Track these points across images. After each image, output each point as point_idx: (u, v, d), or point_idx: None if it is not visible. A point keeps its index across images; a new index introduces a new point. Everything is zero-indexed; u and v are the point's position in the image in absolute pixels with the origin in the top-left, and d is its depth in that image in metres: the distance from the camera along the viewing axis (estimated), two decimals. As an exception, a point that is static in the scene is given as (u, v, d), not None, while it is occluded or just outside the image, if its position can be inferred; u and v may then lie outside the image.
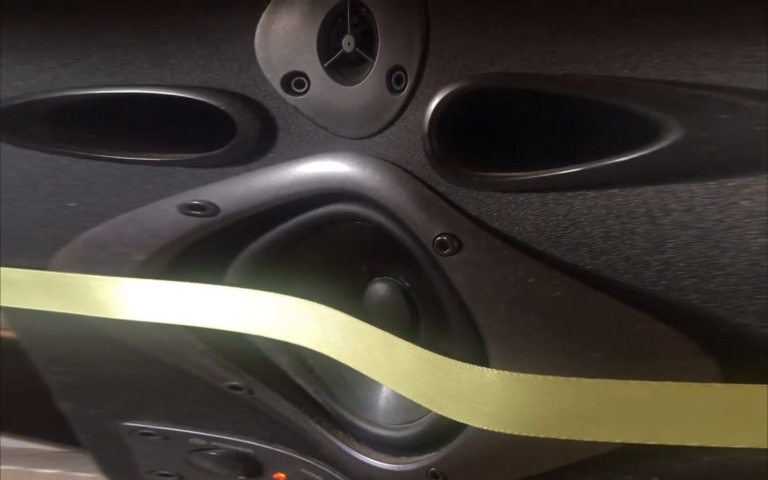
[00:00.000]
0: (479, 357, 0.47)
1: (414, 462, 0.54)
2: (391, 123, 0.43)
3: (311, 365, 0.58)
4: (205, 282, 0.53)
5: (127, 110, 0.49)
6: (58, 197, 0.52)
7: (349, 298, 0.53)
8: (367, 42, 0.43)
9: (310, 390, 0.58)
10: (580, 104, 0.38)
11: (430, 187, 0.44)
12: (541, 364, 0.43)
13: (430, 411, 0.52)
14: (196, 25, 0.46)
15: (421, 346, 0.48)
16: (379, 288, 0.52)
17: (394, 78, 0.42)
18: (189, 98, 0.45)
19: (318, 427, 0.58)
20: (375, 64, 0.43)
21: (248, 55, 0.46)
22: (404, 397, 0.50)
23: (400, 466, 0.55)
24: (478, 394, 0.46)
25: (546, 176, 0.39)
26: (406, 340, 0.49)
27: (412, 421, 0.55)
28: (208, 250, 0.52)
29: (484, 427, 0.46)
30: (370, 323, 0.50)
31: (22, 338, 0.63)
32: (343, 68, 0.44)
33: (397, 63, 0.42)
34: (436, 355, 0.48)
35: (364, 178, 0.45)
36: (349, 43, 0.43)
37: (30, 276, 0.56)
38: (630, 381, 0.41)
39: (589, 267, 0.40)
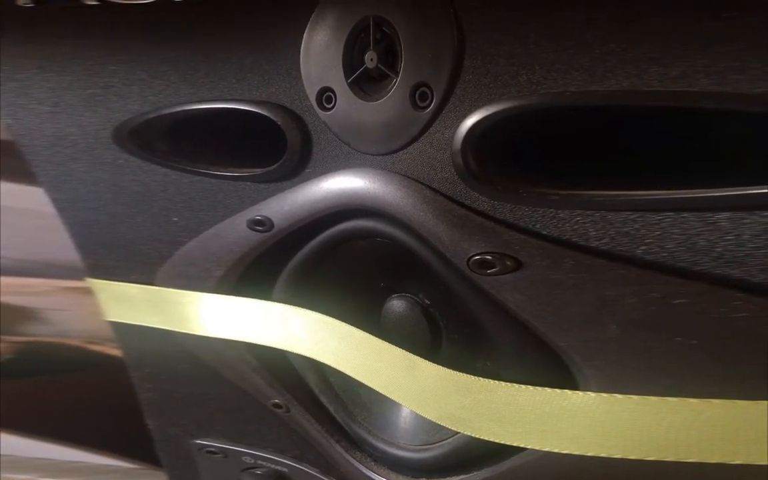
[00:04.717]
0: (546, 377, 0.44)
1: None
2: (415, 140, 0.43)
3: (333, 383, 0.58)
4: (260, 299, 0.55)
5: (214, 126, 0.52)
6: (166, 212, 0.55)
7: (366, 315, 0.52)
8: (390, 58, 0.42)
9: (331, 409, 0.58)
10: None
11: (463, 205, 0.42)
12: (688, 386, 0.39)
13: (455, 433, 0.50)
14: (264, 39, 0.47)
15: (446, 365, 0.46)
16: (397, 304, 0.51)
17: (418, 95, 0.41)
18: (259, 113, 0.47)
19: (337, 446, 0.58)
20: (398, 80, 0.42)
21: (296, 70, 0.46)
22: (424, 418, 0.49)
23: None
24: (554, 418, 0.43)
25: (727, 195, 0.35)
26: (426, 357, 0.47)
27: (434, 443, 0.52)
28: (263, 267, 0.53)
29: (570, 452, 0.43)
30: (386, 339, 0.49)
31: (126, 354, 0.67)
32: (367, 84, 0.44)
33: (421, 79, 0.41)
34: (471, 376, 0.45)
35: (385, 194, 0.44)
36: (371, 59, 0.42)
37: (141, 291, 0.61)
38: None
39: None
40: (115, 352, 0.72)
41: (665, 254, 0.38)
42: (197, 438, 0.70)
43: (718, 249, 0.37)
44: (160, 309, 0.61)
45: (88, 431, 0.90)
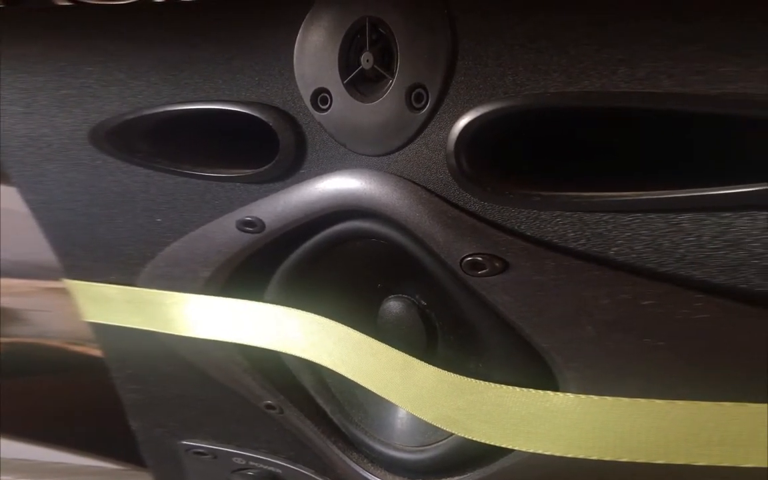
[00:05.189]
0: (533, 379, 0.44)
1: None
2: (411, 141, 0.43)
3: (329, 385, 0.58)
4: (251, 301, 0.54)
5: (201, 127, 0.51)
6: (149, 213, 0.54)
7: (363, 316, 0.52)
8: (386, 59, 0.42)
9: (327, 410, 0.58)
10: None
11: (456, 206, 0.42)
12: (656, 387, 0.40)
13: (450, 434, 0.50)
14: (254, 39, 0.46)
15: (441, 366, 0.46)
16: (394, 305, 0.51)
17: (413, 96, 0.41)
18: (249, 114, 0.47)
19: (333, 447, 0.58)
20: (393, 81, 0.42)
21: (289, 71, 0.46)
22: (420, 419, 0.49)
23: None
24: (538, 419, 0.43)
25: (689, 196, 0.36)
26: (422, 358, 0.48)
27: (430, 444, 0.52)
28: (254, 268, 0.53)
29: (552, 453, 0.43)
30: (383, 341, 0.49)
31: (106, 355, 0.66)
32: (362, 85, 0.44)
33: (417, 81, 0.41)
34: (464, 378, 0.45)
35: (381, 195, 0.44)
36: (367, 60, 0.42)
37: (120, 292, 0.60)
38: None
39: (759, 289, 0.36)
40: (97, 352, 0.70)
41: (634, 255, 0.39)
42: (184, 439, 0.69)
43: (681, 250, 0.37)
44: (142, 310, 0.60)
45: (70, 432, 0.90)
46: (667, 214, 0.37)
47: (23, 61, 0.53)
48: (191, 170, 0.51)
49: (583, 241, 0.40)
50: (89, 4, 0.47)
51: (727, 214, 0.36)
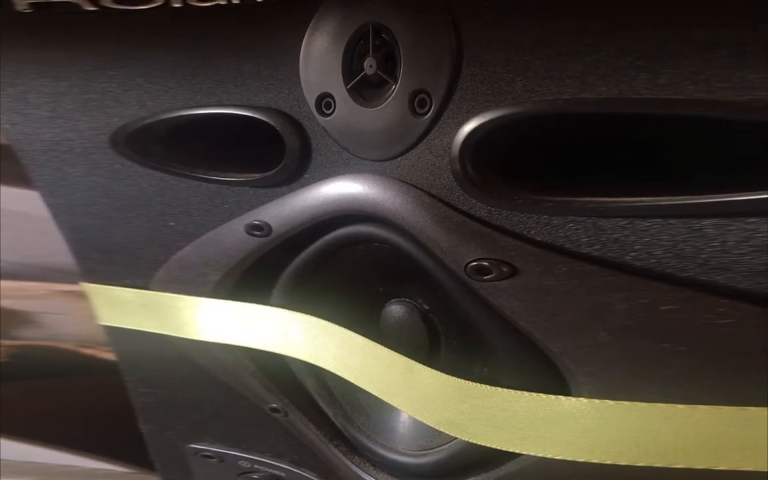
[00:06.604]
0: (541, 383, 0.44)
1: None
2: (413, 146, 0.43)
3: (331, 388, 0.58)
4: (258, 304, 0.55)
5: (211, 132, 0.53)
6: (163, 216, 0.55)
7: (365, 320, 0.52)
8: (390, 65, 0.43)
9: (330, 413, 0.58)
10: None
11: (461, 212, 0.42)
12: (675, 392, 0.39)
13: (453, 438, 0.50)
14: (263, 44, 0.47)
15: (445, 370, 0.47)
16: (396, 309, 0.51)
17: (417, 101, 0.42)
18: (258, 118, 0.48)
19: (336, 451, 0.58)
20: (397, 87, 0.42)
21: (295, 76, 0.46)
22: (423, 423, 0.49)
23: None
24: (548, 424, 0.43)
25: (712, 202, 0.35)
26: (425, 363, 0.48)
27: (432, 448, 0.53)
28: (261, 272, 0.54)
29: (563, 458, 0.43)
30: (385, 345, 0.50)
31: (120, 359, 0.67)
32: (366, 90, 0.44)
33: (420, 86, 0.41)
34: (469, 382, 0.46)
35: (383, 200, 0.44)
36: (370, 66, 0.43)
37: (136, 296, 0.61)
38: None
39: None
40: (108, 355, 0.72)
41: (653, 260, 0.38)
42: (192, 442, 0.70)
43: (704, 255, 0.37)
44: (156, 313, 0.61)
45: (81, 435, 0.90)
46: (690, 219, 0.37)
47: (49, 65, 0.55)
48: (204, 174, 0.53)
49: (598, 246, 0.40)
50: (113, 9, 0.48)
51: (753, 219, 0.36)
